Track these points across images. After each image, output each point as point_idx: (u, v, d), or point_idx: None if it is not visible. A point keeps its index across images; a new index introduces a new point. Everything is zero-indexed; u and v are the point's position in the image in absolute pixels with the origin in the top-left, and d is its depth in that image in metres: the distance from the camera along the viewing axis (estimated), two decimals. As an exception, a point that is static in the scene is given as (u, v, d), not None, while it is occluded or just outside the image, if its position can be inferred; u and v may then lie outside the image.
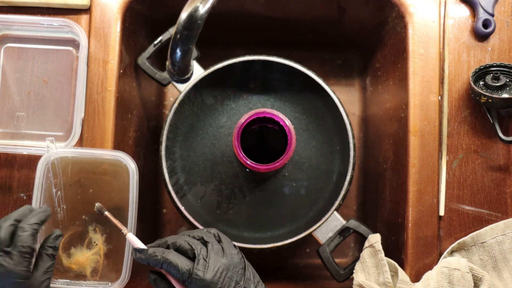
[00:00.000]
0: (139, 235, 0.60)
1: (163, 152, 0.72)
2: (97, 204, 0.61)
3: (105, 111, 0.68)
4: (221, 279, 0.52)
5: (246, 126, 0.65)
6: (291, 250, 0.91)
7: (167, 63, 0.57)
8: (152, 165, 0.88)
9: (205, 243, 0.55)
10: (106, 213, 0.60)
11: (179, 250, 0.55)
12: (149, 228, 0.86)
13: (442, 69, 0.70)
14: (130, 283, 0.63)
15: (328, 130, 0.74)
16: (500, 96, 0.65)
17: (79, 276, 0.64)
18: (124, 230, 0.59)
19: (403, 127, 0.70)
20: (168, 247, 0.55)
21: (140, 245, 0.57)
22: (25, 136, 0.70)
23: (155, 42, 0.74)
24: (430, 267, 0.64)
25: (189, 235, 0.57)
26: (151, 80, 0.75)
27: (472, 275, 0.61)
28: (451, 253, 0.66)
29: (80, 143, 0.68)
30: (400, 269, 0.64)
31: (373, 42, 0.85)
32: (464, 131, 0.69)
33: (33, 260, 0.55)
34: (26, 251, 0.53)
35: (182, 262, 0.53)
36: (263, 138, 0.77)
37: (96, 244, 0.64)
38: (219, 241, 0.56)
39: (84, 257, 0.64)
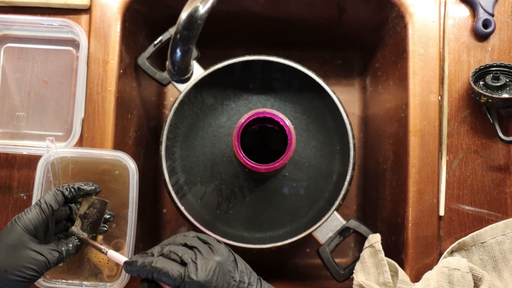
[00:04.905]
0: (139, 235, 0.60)
1: (163, 152, 0.72)
2: (73, 229, 0.60)
3: (105, 111, 0.68)
4: (214, 277, 0.51)
5: (246, 126, 0.65)
6: (291, 250, 0.91)
7: (167, 63, 0.57)
8: (152, 165, 0.88)
9: (190, 247, 0.54)
10: (83, 236, 0.59)
11: (167, 259, 0.53)
12: (149, 228, 0.86)
13: (442, 69, 0.70)
14: (130, 283, 0.63)
15: (328, 130, 0.74)
16: (500, 96, 0.65)
17: (96, 274, 0.64)
18: (104, 249, 0.58)
19: (403, 127, 0.70)
20: None
21: (123, 258, 0.57)
22: (25, 136, 0.70)
23: (155, 42, 0.74)
24: (430, 267, 0.64)
25: (170, 244, 0.55)
26: (151, 80, 0.75)
27: (472, 275, 0.61)
28: (451, 253, 0.66)
29: (80, 143, 0.68)
30: (400, 269, 0.64)
31: (373, 42, 0.85)
32: (464, 131, 0.69)
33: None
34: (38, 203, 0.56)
35: (172, 268, 0.51)
36: (263, 138, 0.77)
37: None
38: (204, 242, 0.55)
39: (106, 257, 0.64)
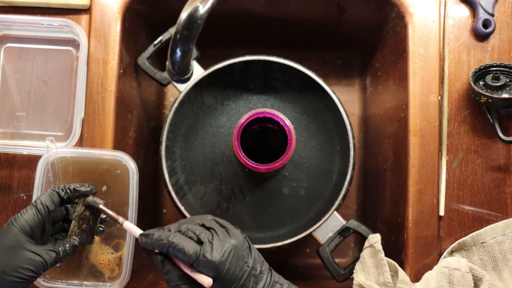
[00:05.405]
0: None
1: (163, 152, 0.72)
2: (90, 198, 0.60)
3: (105, 111, 0.68)
4: (229, 259, 0.52)
5: (246, 126, 0.65)
6: (291, 250, 0.91)
7: (167, 63, 0.57)
8: (152, 165, 0.88)
9: (208, 228, 0.54)
10: (101, 206, 0.60)
11: (184, 235, 0.54)
12: (149, 228, 0.86)
13: (442, 69, 0.70)
14: (130, 283, 0.63)
15: (328, 130, 0.74)
16: (500, 96, 0.65)
17: (96, 276, 0.63)
18: (120, 219, 0.58)
19: (403, 127, 0.70)
20: None
21: (138, 230, 0.57)
22: (25, 136, 0.70)
23: (155, 42, 0.74)
24: (430, 267, 0.64)
25: (188, 223, 0.56)
26: (151, 80, 0.75)
27: (472, 275, 0.61)
28: (451, 253, 0.66)
29: (80, 143, 0.68)
30: (400, 269, 0.64)
31: (373, 42, 0.85)
32: (464, 131, 0.69)
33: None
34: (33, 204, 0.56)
35: (189, 245, 0.52)
36: (263, 138, 0.77)
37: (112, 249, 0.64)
38: (221, 225, 0.55)
39: (106, 258, 0.64)
